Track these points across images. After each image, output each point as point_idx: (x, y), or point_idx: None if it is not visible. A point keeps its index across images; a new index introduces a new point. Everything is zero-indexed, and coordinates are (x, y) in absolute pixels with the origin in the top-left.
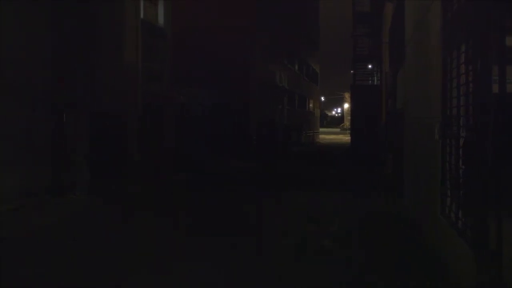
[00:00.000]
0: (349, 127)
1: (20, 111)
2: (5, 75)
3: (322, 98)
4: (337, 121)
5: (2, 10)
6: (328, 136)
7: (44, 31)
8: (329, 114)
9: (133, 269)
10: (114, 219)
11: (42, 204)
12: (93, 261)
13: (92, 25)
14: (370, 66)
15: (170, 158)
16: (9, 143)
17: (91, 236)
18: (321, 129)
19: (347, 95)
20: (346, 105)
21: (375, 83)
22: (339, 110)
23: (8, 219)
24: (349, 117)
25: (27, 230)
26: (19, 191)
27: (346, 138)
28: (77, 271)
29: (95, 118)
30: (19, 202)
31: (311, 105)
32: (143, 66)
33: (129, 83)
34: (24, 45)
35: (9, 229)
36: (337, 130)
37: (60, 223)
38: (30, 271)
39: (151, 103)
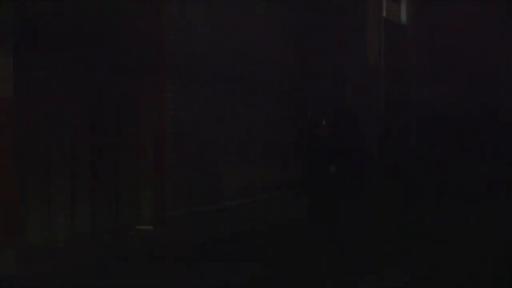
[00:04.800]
0: None
1: (269, 110)
2: (256, 77)
3: None
4: None
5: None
6: None
7: (289, 29)
8: None
9: None
10: (355, 217)
11: (284, 198)
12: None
13: (336, 24)
14: None
15: (413, 160)
16: (258, 140)
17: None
18: None
19: None
20: None
21: None
22: None
23: (256, 210)
24: None
25: (273, 220)
26: (265, 185)
27: None
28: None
29: (338, 117)
30: (264, 195)
31: None
32: (385, 64)
33: (371, 82)
34: (273, 45)
35: (258, 219)
36: None
37: (300, 217)
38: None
39: (394, 103)
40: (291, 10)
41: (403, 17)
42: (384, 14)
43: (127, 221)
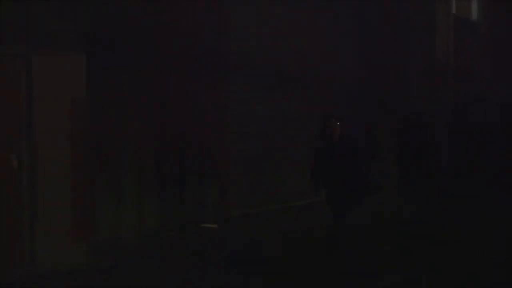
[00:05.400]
0: None
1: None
2: (320, 77)
3: None
4: None
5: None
6: None
7: (354, 27)
8: None
9: None
10: (421, 222)
11: None
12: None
13: (404, 21)
14: None
15: (484, 163)
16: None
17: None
18: None
19: None
20: None
21: None
22: None
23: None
24: None
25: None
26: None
27: None
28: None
29: (404, 116)
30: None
31: None
32: (454, 63)
33: (439, 82)
34: (337, 45)
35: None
36: None
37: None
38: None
39: (463, 103)
40: (356, 8)
41: (474, 13)
42: (454, 10)
43: (192, 219)
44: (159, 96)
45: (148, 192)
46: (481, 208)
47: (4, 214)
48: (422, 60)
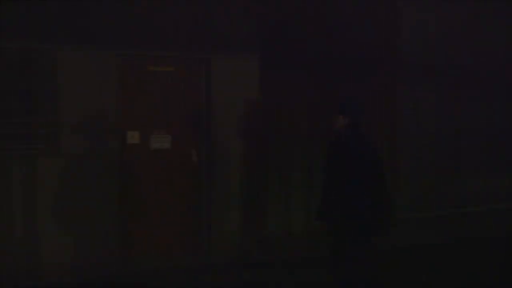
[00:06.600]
0: None
1: (509, 112)
2: (493, 77)
3: None
4: None
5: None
6: None
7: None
8: None
9: None
10: None
11: None
12: None
13: None
14: None
15: None
16: (497, 144)
17: None
18: None
19: None
20: None
21: None
22: None
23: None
24: None
25: None
26: (508, 193)
27: None
28: None
29: None
30: (507, 203)
31: None
32: None
33: None
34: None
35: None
36: None
37: None
38: None
39: None
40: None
41: None
42: None
43: None
44: (329, 96)
45: (316, 191)
46: None
47: (186, 206)
48: None
